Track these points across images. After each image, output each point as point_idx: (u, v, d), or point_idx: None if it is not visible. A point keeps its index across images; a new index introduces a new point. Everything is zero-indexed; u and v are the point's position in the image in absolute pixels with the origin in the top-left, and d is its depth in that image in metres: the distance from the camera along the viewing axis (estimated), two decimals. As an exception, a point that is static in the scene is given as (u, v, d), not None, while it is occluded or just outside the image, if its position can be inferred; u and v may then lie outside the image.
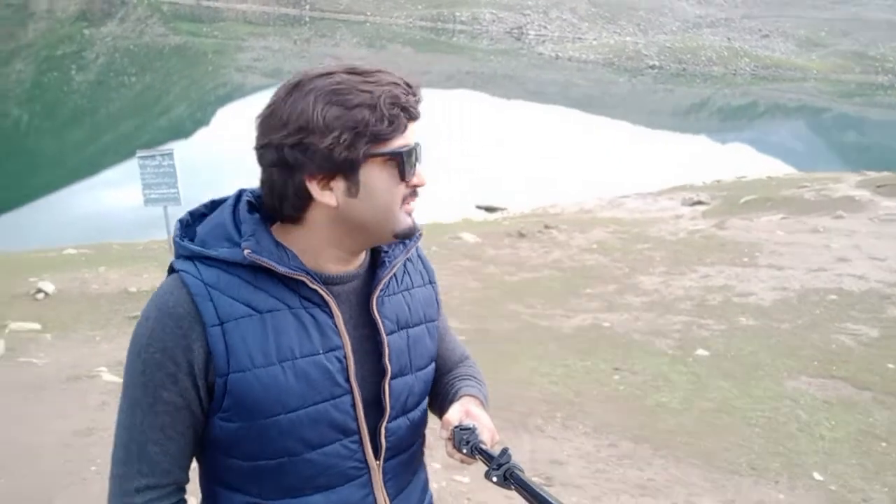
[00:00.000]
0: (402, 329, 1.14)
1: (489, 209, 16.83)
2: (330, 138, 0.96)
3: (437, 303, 1.26)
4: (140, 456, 1.00)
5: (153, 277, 9.17)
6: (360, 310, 1.10)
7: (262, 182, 1.04)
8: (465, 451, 1.06)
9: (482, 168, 21.05)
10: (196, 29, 67.43)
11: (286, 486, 1.05)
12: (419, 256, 1.26)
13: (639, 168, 22.81)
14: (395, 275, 1.17)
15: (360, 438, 1.08)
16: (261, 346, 0.99)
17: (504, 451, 1.03)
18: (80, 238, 12.88)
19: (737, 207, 13.17)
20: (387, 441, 1.12)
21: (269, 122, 0.99)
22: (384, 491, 1.13)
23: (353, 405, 1.06)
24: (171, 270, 1.04)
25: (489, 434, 1.11)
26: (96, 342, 6.54)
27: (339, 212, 1.01)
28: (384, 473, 1.13)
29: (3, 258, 11.06)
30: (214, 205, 1.11)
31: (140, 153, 8.66)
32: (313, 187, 0.99)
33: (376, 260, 1.13)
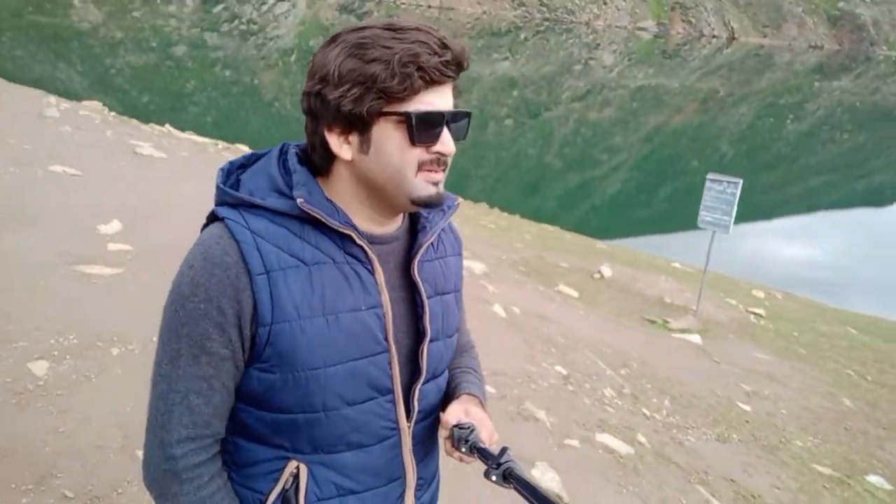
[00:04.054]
0: (437, 295, 1.14)
1: None
2: (340, 91, 0.94)
3: (462, 275, 1.26)
4: (181, 406, 0.96)
5: (687, 297, 9.74)
6: (398, 272, 1.09)
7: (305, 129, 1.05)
8: (463, 449, 1.05)
9: None
10: (941, 91, 59.20)
11: (319, 441, 1.02)
12: (450, 226, 1.24)
13: None
14: (432, 242, 1.15)
15: (394, 398, 1.07)
16: (307, 298, 0.96)
17: (503, 450, 1.01)
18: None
19: None
20: (419, 403, 1.10)
21: (307, 71, 1.00)
22: (412, 454, 1.12)
23: (390, 364, 1.05)
24: (214, 218, 1.00)
25: (488, 433, 1.11)
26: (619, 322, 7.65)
27: (354, 167, 1.00)
28: (413, 437, 1.11)
29: (585, 245, 13.60)
30: (253, 157, 1.08)
31: (711, 176, 9.07)
32: (332, 139, 0.98)
33: (415, 224, 1.13)
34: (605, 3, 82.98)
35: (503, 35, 58.75)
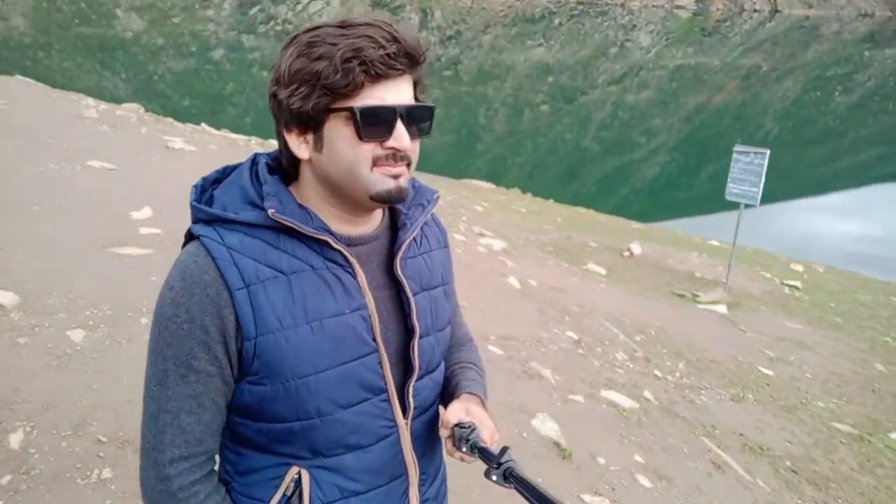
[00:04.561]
0: (424, 290, 1.14)
1: None
2: (289, 90, 0.95)
3: (450, 265, 1.27)
4: (172, 426, 0.97)
5: (719, 271, 9.71)
6: (380, 271, 1.09)
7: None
8: (464, 449, 1.06)
9: None
10: None
11: (318, 446, 1.04)
12: (434, 219, 1.24)
13: None
14: (414, 238, 1.15)
15: (389, 397, 1.08)
16: (288, 308, 0.97)
17: (504, 450, 1.02)
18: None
19: None
20: (414, 400, 1.11)
21: None
22: (413, 450, 1.13)
23: (381, 363, 1.06)
24: (191, 236, 1.01)
25: (489, 432, 1.11)
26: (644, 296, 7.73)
27: (313, 166, 1.01)
28: (412, 433, 1.12)
29: (619, 226, 13.57)
30: (227, 170, 1.09)
31: (738, 147, 9.00)
32: (291, 139, 1.00)
33: (396, 222, 1.13)
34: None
35: (537, 21, 58.31)
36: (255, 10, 56.67)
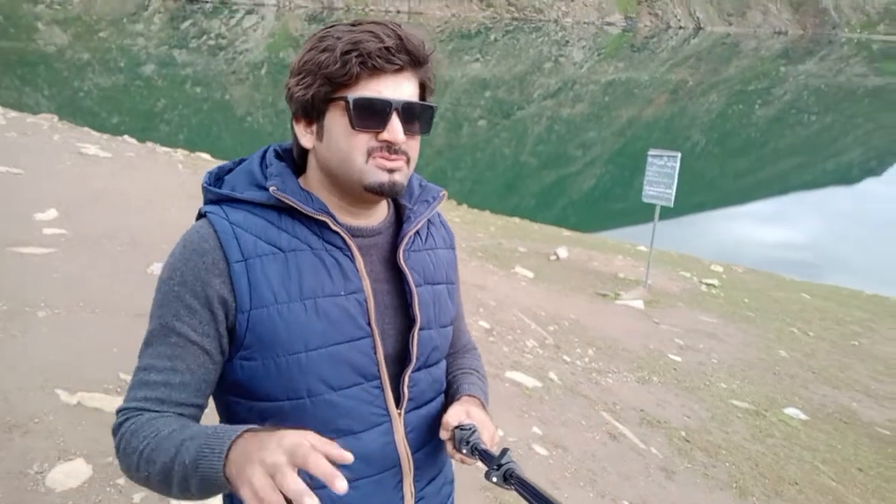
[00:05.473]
0: (427, 284, 1.16)
1: None
2: (295, 79, 1.02)
3: (456, 269, 1.28)
4: (141, 381, 1.01)
5: (641, 272, 10.10)
6: (384, 265, 1.11)
7: None
8: (464, 451, 1.06)
9: None
10: (903, 69, 60.56)
11: (307, 428, 1.01)
12: (441, 222, 1.27)
13: None
14: (419, 233, 1.18)
15: (381, 384, 1.08)
16: (283, 283, 1.00)
17: (504, 452, 1.02)
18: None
19: None
20: (409, 391, 1.12)
21: None
22: (406, 441, 1.12)
23: (374, 349, 1.07)
24: (200, 215, 1.06)
25: (489, 434, 1.12)
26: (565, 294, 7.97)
27: (316, 155, 1.06)
28: (406, 425, 1.12)
29: (551, 233, 13.95)
30: (241, 161, 1.14)
31: (652, 151, 9.44)
32: (298, 129, 1.06)
33: (400, 217, 1.16)
34: (572, 0, 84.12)
35: (473, 37, 59.38)
36: (186, 24, 55.61)
